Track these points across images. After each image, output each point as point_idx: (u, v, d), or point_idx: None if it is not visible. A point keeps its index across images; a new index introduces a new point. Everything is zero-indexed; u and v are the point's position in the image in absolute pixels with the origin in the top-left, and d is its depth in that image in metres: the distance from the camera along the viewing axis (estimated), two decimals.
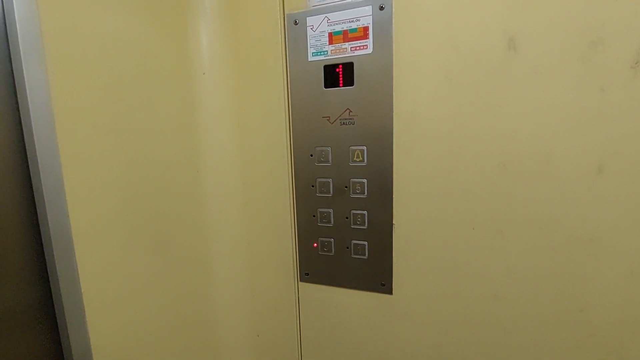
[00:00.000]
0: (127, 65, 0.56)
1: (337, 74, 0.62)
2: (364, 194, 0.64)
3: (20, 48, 0.42)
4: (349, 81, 0.61)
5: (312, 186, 0.67)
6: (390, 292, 0.66)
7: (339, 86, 0.62)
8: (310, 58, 0.63)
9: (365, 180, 0.63)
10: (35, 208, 0.47)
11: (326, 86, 0.63)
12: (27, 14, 0.43)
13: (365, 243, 0.66)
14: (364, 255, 0.66)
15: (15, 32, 0.42)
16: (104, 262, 0.54)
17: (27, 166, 0.46)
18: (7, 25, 0.43)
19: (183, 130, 0.67)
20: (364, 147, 0.62)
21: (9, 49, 0.43)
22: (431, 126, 0.58)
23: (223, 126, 0.71)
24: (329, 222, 0.68)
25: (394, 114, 0.60)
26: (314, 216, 0.69)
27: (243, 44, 0.68)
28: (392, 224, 0.63)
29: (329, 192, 0.66)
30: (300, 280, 0.73)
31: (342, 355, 0.73)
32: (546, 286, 0.56)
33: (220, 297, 0.76)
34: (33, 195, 0.47)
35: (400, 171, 0.61)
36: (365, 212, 0.65)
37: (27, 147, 0.45)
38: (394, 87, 0.59)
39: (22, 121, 0.45)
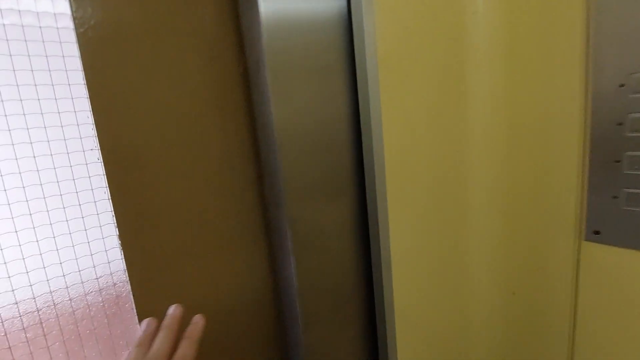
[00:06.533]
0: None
1: None
2: None
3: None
4: None
5: (620, 124, 0.54)
6: None
7: None
8: None
9: None
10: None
11: None
12: None
13: None
14: None
15: None
16: (407, 232, 0.52)
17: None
18: None
19: (449, 71, 0.60)
20: None
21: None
22: None
23: (490, 67, 0.62)
24: None
25: None
26: (617, 162, 0.55)
27: None
28: None
29: None
30: (585, 239, 0.62)
31: (628, 339, 0.59)
32: None
33: (471, 247, 0.70)
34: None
35: None
36: None
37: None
38: None
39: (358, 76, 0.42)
